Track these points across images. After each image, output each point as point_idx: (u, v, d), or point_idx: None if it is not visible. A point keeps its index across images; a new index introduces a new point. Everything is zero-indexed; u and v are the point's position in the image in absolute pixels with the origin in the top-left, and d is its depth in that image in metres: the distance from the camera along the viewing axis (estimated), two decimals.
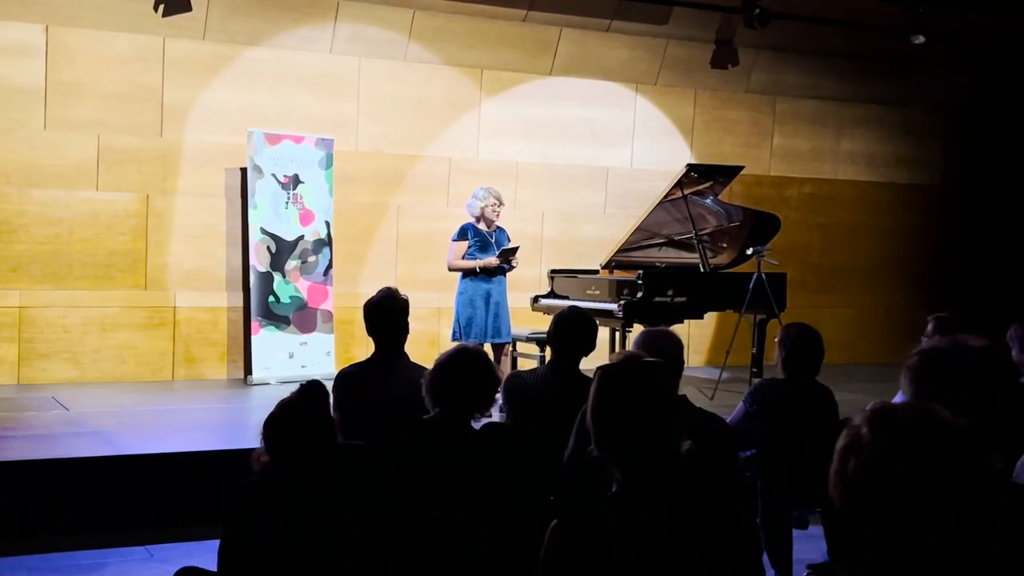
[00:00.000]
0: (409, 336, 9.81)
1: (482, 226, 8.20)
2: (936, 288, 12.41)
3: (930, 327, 5.34)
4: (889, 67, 11.89)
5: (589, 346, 4.48)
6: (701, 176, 8.93)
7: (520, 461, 3.54)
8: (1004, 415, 2.33)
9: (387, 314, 4.49)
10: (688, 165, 8.75)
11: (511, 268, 8.22)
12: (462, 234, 8.17)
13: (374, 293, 4.73)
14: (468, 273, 8.11)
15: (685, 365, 3.71)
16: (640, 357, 2.36)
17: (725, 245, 9.50)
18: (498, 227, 8.28)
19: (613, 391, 2.29)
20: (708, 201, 9.24)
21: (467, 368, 3.49)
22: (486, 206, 8.16)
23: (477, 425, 3.68)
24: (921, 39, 10.94)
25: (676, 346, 3.69)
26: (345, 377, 4.45)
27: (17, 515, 5.32)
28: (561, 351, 4.43)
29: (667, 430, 2.23)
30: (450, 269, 8.30)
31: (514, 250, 8.11)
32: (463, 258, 8.15)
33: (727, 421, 4.95)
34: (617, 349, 8.98)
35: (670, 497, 2.18)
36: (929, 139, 12.53)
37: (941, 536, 1.47)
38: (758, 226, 9.30)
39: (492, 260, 8.03)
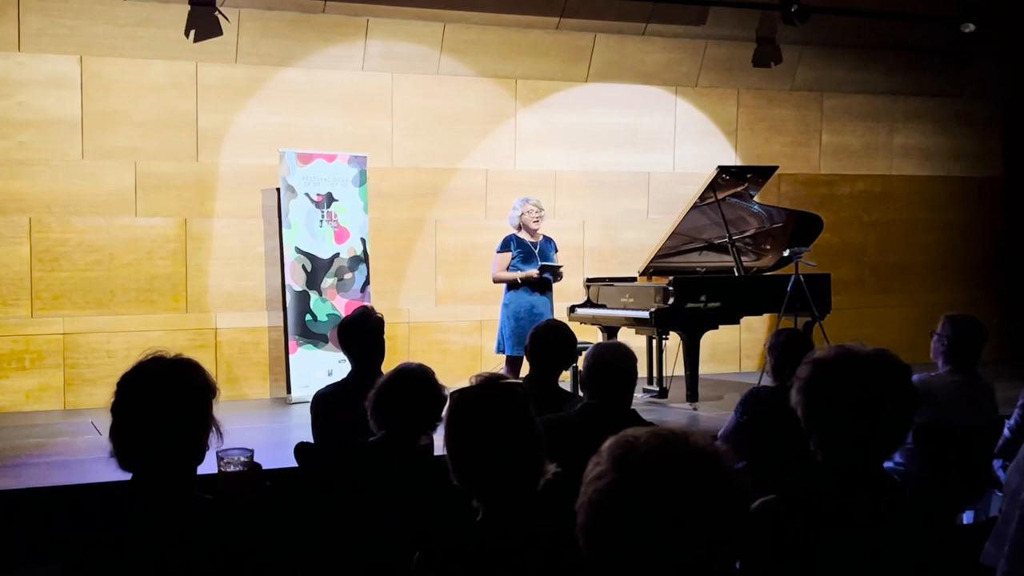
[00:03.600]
0: (453, 350, 9.94)
1: (525, 236, 8.21)
2: (999, 284, 12.02)
3: (941, 327, 5.11)
4: (941, 58, 11.56)
5: (568, 359, 4.38)
6: (734, 178, 8.75)
7: None
8: (893, 422, 2.21)
9: (361, 333, 4.45)
10: (719, 167, 8.58)
11: (555, 280, 8.19)
12: (505, 245, 8.21)
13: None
14: (512, 286, 8.11)
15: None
16: (498, 380, 2.27)
17: (768, 247, 9.30)
18: (545, 237, 8.28)
19: (466, 418, 2.20)
20: (749, 204, 9.06)
21: (410, 388, 3.42)
22: (524, 214, 8.19)
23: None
24: (971, 27, 10.61)
25: (627, 360, 3.59)
26: (320, 399, 4.42)
27: (25, 543, 5.38)
28: (539, 365, 4.34)
29: (524, 457, 2.14)
30: (494, 281, 8.37)
31: (556, 268, 8.11)
32: (507, 270, 8.19)
33: (719, 433, 4.82)
34: (654, 358, 8.84)
35: (531, 525, 2.09)
36: (988, 130, 12.14)
37: (682, 568, 1.36)
38: (801, 226, 9.09)
39: (533, 273, 8.03)
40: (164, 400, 2.44)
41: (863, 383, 2.20)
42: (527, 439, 2.17)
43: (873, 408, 2.19)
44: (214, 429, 2.54)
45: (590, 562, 1.40)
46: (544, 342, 4.36)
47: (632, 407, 3.69)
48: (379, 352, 4.50)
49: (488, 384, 2.26)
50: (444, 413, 2.26)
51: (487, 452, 2.15)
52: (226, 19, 9.07)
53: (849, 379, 2.21)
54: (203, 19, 9.03)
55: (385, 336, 4.72)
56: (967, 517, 5.19)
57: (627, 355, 3.61)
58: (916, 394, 2.25)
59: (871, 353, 2.23)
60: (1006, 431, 4.85)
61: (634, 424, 3.59)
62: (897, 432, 2.23)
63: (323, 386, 4.59)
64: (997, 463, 4.92)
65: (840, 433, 2.22)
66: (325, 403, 4.36)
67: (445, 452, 2.23)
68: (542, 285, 8.16)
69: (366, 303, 9.28)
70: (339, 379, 4.57)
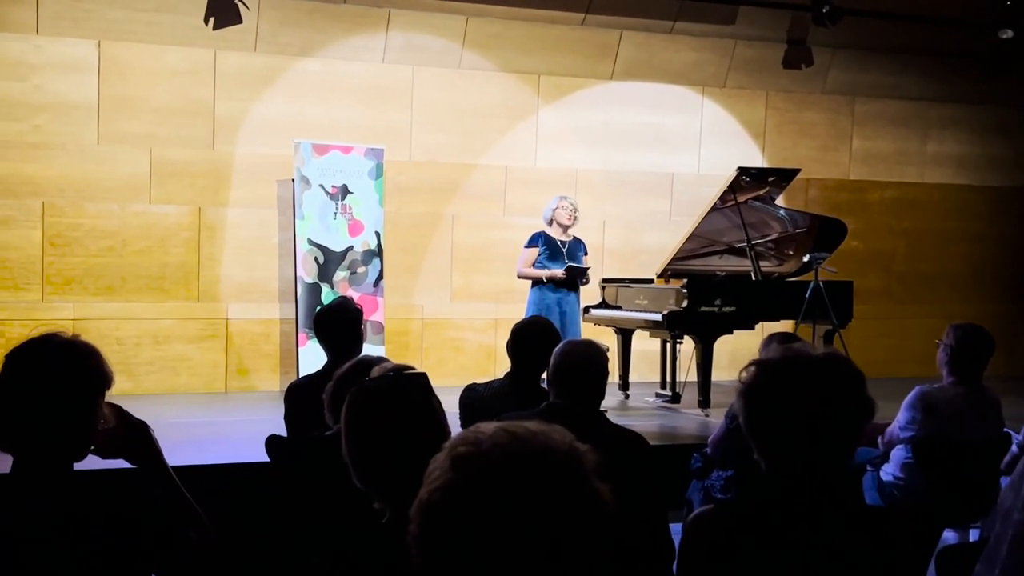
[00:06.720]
0: (467, 348, 9.80)
1: (555, 234, 8.17)
2: None
3: (946, 336, 4.91)
4: (978, 64, 11.26)
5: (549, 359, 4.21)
6: (755, 180, 8.54)
7: None
8: (844, 425, 2.04)
9: (339, 324, 4.31)
10: (739, 168, 8.37)
11: (582, 282, 8.15)
12: (532, 241, 8.22)
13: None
14: (537, 282, 8.03)
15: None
16: (399, 371, 2.12)
17: (791, 252, 9.07)
18: (575, 238, 8.23)
19: (362, 414, 2.06)
20: (772, 207, 8.84)
21: None
22: (558, 209, 8.19)
23: None
24: (1009, 33, 10.31)
25: (596, 360, 3.42)
26: (294, 389, 4.29)
27: None
28: (520, 363, 4.19)
29: (428, 452, 1.99)
30: (518, 276, 8.31)
31: (583, 270, 8.05)
32: (533, 266, 8.13)
33: (710, 440, 4.64)
34: (667, 362, 8.66)
35: None
36: None
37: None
38: (825, 232, 8.86)
39: (558, 273, 7.98)
40: (52, 379, 2.27)
41: (811, 388, 2.01)
42: (430, 433, 2.02)
43: (821, 416, 2.01)
44: (102, 422, 2.34)
45: (420, 563, 1.25)
46: (525, 338, 4.20)
47: (602, 409, 3.52)
48: (357, 343, 4.37)
49: (385, 377, 2.12)
50: (342, 412, 2.13)
51: (387, 449, 2.01)
52: (246, 7, 8.97)
53: (796, 384, 2.02)
54: (223, 7, 8.92)
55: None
56: (973, 535, 4.98)
57: (597, 354, 3.44)
58: (869, 403, 2.07)
59: (822, 356, 2.06)
60: (1014, 447, 4.64)
61: (600, 426, 3.43)
62: (845, 443, 2.05)
63: (297, 377, 4.47)
64: (1005, 480, 4.71)
65: (784, 442, 2.03)
66: (299, 394, 4.24)
67: (345, 453, 2.10)
68: (569, 284, 8.07)
69: (379, 298, 9.18)
70: (314, 371, 4.43)
